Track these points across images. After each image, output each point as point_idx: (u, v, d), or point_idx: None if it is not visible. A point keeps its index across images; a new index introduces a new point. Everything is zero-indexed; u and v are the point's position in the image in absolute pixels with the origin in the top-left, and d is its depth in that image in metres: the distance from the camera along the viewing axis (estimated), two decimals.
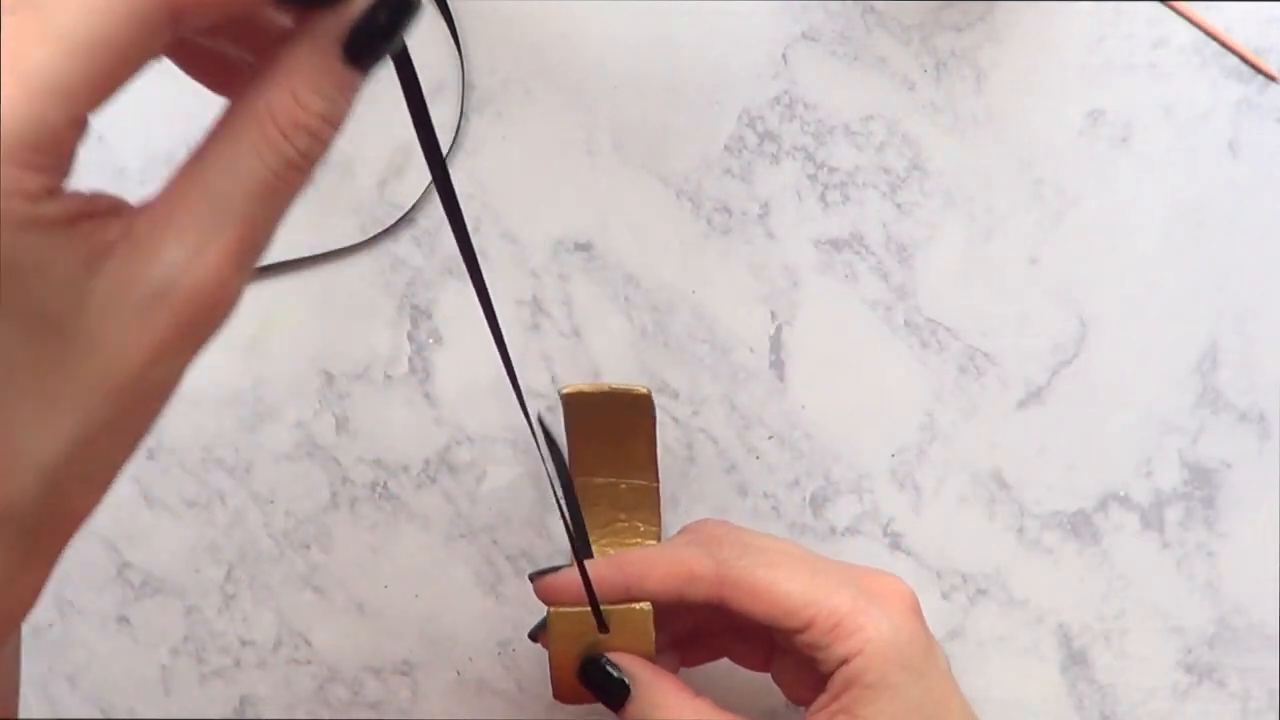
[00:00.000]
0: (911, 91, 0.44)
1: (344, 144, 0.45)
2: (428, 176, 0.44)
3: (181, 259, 0.23)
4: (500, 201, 0.45)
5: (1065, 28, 0.44)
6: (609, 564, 0.36)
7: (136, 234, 0.23)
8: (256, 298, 0.45)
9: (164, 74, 0.47)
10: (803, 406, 0.44)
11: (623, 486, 0.42)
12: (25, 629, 0.45)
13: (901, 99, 0.44)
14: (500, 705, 0.45)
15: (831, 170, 0.44)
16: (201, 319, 0.24)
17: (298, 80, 0.24)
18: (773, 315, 0.44)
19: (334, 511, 0.45)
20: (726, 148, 0.44)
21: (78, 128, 0.22)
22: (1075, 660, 0.44)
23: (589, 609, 0.36)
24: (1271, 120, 0.44)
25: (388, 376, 0.45)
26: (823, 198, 0.44)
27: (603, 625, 0.36)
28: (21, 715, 0.45)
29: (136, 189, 0.45)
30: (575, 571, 0.35)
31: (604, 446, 0.40)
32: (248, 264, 0.24)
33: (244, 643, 0.45)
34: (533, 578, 0.37)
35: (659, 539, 0.43)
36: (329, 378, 0.45)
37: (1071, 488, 0.44)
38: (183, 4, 0.22)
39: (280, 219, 0.25)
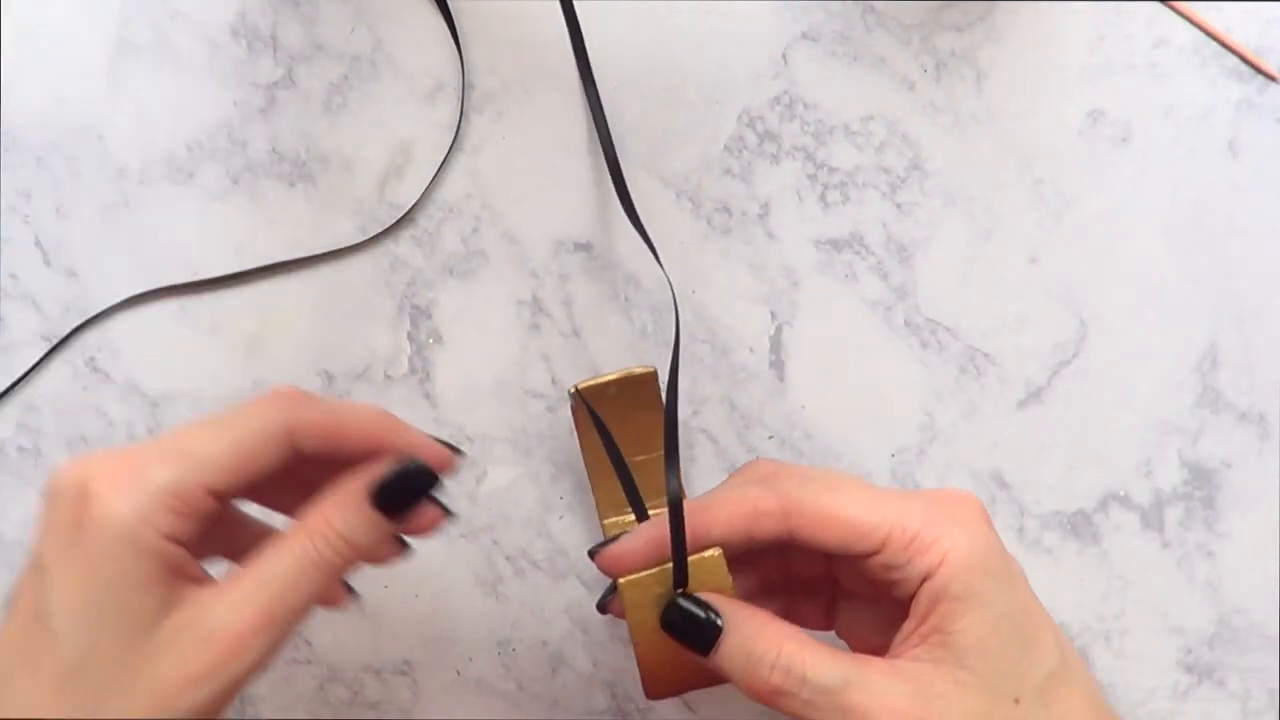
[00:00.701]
0: (911, 91, 0.44)
1: (344, 144, 0.45)
2: (428, 176, 0.45)
3: (224, 616, 0.31)
4: (500, 201, 0.45)
5: (1065, 28, 0.44)
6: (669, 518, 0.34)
7: (202, 595, 0.31)
8: (256, 298, 0.45)
9: (163, 75, 0.47)
10: (803, 406, 0.44)
11: (642, 458, 0.42)
12: None
13: (901, 99, 0.44)
14: (500, 705, 0.45)
15: (831, 170, 0.44)
16: (226, 662, 0.30)
17: (331, 506, 0.32)
18: (773, 315, 0.44)
19: None
20: (726, 148, 0.44)
21: (209, 499, 0.31)
22: None
23: (658, 571, 0.34)
24: (1271, 120, 0.44)
25: (388, 376, 0.45)
26: (823, 198, 0.44)
27: (682, 578, 0.33)
28: None
29: (137, 189, 0.45)
30: (634, 537, 0.34)
31: (617, 432, 0.39)
32: (270, 632, 0.31)
33: None
34: (592, 553, 0.35)
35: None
36: (329, 378, 0.45)
37: (1071, 488, 0.44)
38: (298, 430, 0.32)
39: (302, 608, 0.32)
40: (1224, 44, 0.44)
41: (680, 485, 0.33)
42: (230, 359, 0.45)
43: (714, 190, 0.44)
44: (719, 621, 0.33)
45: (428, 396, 0.45)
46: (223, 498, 0.32)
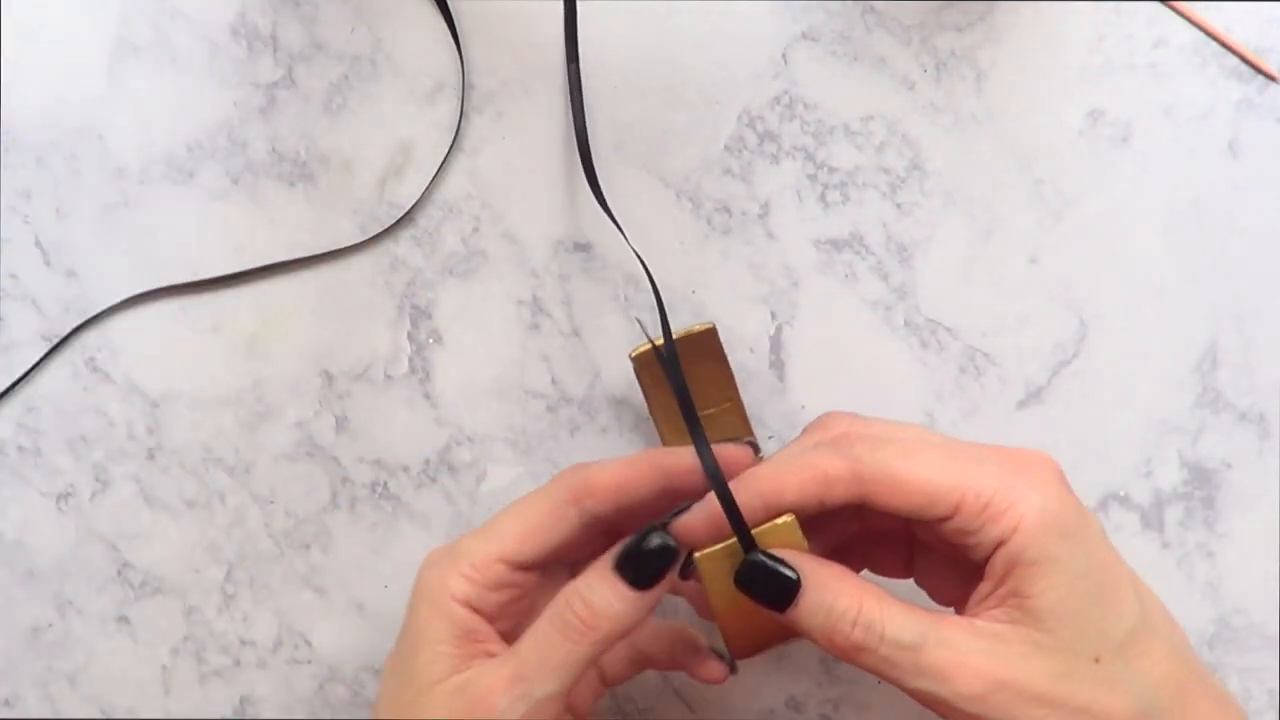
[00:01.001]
0: (911, 91, 0.44)
1: (344, 144, 0.45)
2: (428, 176, 0.45)
3: (482, 676, 0.33)
4: (500, 201, 0.45)
5: (1065, 28, 0.44)
6: (740, 486, 0.33)
7: (483, 661, 0.34)
8: (256, 298, 0.45)
9: (163, 75, 0.47)
10: (803, 406, 0.44)
11: (710, 411, 0.42)
12: (25, 628, 0.45)
13: (901, 99, 0.44)
14: None
15: (831, 170, 0.44)
16: (475, 713, 0.33)
17: (582, 574, 0.34)
18: (773, 315, 0.44)
19: (334, 511, 0.45)
20: (726, 148, 0.44)
21: (504, 568, 0.35)
22: None
23: (733, 541, 0.33)
24: (1271, 120, 0.44)
25: (388, 376, 0.45)
26: (823, 198, 0.44)
27: (747, 544, 0.33)
28: (21, 715, 0.45)
29: (137, 189, 0.45)
30: (703, 507, 0.34)
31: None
32: (515, 690, 0.33)
33: (244, 643, 0.45)
34: (664, 525, 0.35)
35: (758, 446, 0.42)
36: (329, 378, 0.45)
37: (1071, 487, 0.44)
38: (577, 491, 0.35)
39: (554, 668, 0.33)
40: (1224, 44, 0.44)
41: (701, 455, 0.33)
42: (230, 359, 0.45)
43: (714, 190, 0.44)
44: (796, 577, 0.33)
45: (428, 396, 0.45)
46: (523, 568, 0.35)
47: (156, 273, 0.45)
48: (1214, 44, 0.44)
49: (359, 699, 0.45)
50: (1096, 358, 0.44)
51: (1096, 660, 0.32)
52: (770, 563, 0.33)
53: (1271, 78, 0.44)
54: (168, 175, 0.45)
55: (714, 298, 0.44)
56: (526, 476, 0.45)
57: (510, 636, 0.35)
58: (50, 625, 0.45)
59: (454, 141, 0.45)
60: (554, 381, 0.45)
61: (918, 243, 0.44)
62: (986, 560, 0.32)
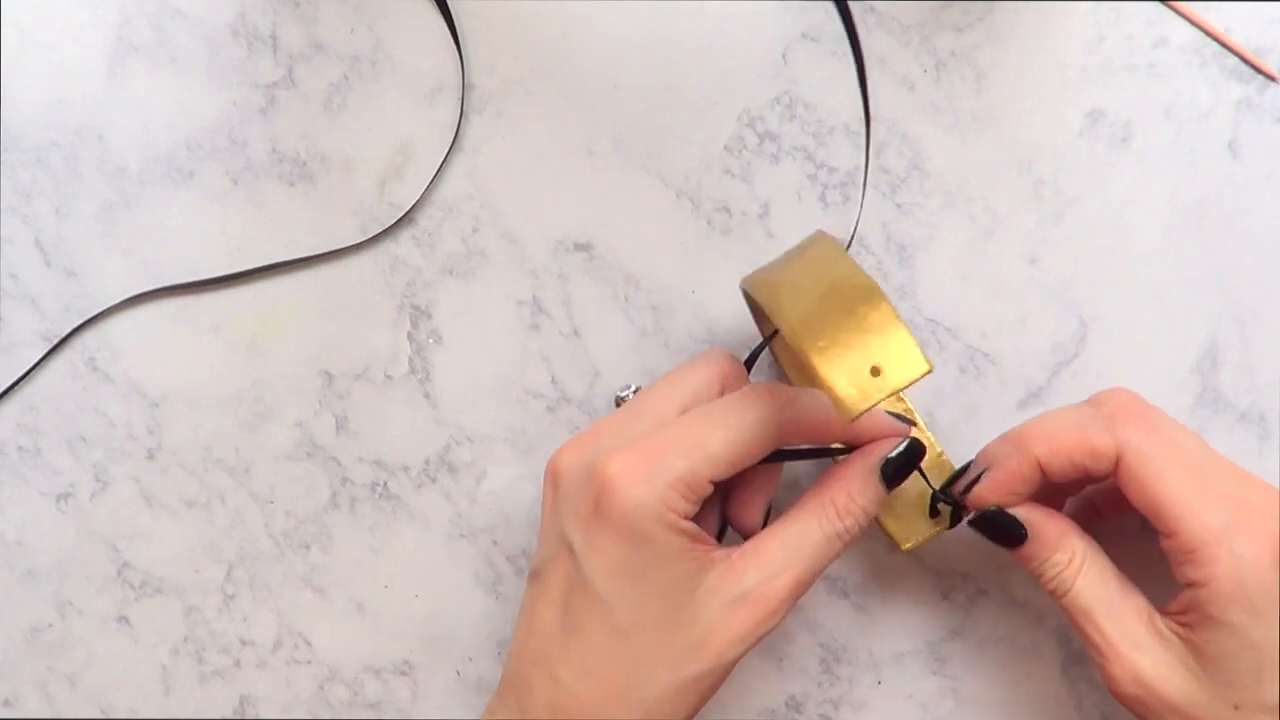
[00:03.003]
0: (911, 91, 0.44)
1: (344, 144, 0.45)
2: (428, 176, 0.45)
3: (759, 581, 0.35)
4: (500, 201, 0.45)
5: (1065, 28, 0.44)
6: (1014, 450, 0.37)
7: (730, 560, 0.36)
8: (256, 298, 0.45)
9: (163, 75, 0.47)
10: None
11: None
12: (25, 629, 0.45)
13: (901, 99, 0.44)
14: None
15: (831, 170, 0.44)
16: (760, 622, 0.35)
17: (853, 486, 0.36)
18: None
19: (334, 511, 0.45)
20: (726, 148, 0.44)
21: (710, 487, 0.35)
22: (1075, 660, 0.44)
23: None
24: (1271, 120, 0.44)
25: (388, 376, 0.45)
26: (823, 198, 0.44)
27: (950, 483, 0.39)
28: (21, 715, 0.45)
29: (136, 189, 0.45)
30: (998, 472, 0.37)
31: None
32: (795, 596, 0.35)
33: (244, 643, 0.45)
34: (961, 493, 0.39)
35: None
36: (329, 378, 0.45)
37: None
38: (785, 430, 0.36)
39: (821, 572, 0.36)
40: (1224, 44, 0.44)
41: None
42: (230, 359, 0.45)
43: (714, 190, 0.44)
44: (1023, 529, 0.37)
45: (428, 396, 0.45)
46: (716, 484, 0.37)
47: (156, 273, 0.45)
48: (1214, 44, 0.44)
49: (359, 699, 0.45)
50: (1096, 358, 0.44)
51: (1236, 708, 0.34)
52: (1001, 515, 0.37)
53: (1271, 78, 0.44)
54: (168, 175, 0.45)
55: (714, 297, 0.44)
56: (526, 476, 0.45)
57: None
58: (50, 625, 0.45)
59: (454, 141, 0.45)
60: (554, 381, 0.45)
61: (918, 243, 0.44)
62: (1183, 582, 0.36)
